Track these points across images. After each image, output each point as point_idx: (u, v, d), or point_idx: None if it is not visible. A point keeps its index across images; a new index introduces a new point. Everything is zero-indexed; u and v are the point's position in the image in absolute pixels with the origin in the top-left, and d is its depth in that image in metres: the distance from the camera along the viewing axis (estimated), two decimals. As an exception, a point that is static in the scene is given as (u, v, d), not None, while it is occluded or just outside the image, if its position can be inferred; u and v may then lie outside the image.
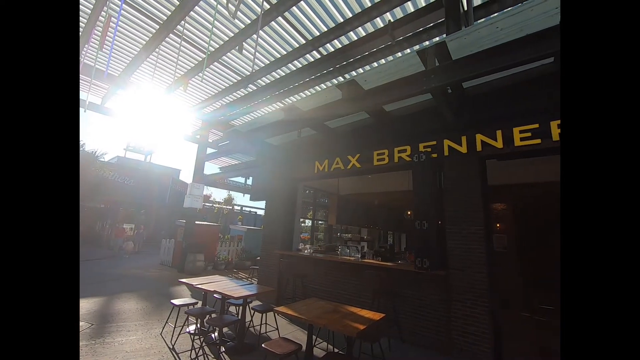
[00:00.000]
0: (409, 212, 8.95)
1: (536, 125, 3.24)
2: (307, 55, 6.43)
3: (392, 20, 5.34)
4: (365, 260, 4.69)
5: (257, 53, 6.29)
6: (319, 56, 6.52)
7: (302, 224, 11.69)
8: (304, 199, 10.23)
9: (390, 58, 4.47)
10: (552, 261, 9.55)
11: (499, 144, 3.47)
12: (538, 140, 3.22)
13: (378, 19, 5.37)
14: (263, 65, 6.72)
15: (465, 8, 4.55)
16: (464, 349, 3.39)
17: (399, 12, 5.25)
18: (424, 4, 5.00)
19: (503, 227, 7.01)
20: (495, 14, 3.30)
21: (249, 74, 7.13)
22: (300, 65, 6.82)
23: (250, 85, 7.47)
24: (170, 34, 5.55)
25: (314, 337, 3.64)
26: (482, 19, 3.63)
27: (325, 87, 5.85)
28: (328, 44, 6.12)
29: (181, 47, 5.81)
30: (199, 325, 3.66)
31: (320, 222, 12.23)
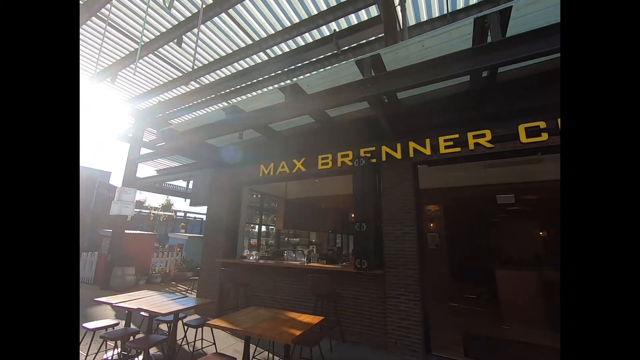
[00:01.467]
0: (352, 215, 9.34)
1: (457, 136, 3.67)
2: (254, 56, 6.28)
3: (337, 30, 5.55)
4: (311, 264, 4.70)
5: (199, 49, 5.92)
6: (266, 58, 6.41)
7: (253, 230, 11.30)
8: (252, 203, 9.91)
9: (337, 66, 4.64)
10: (474, 256, 10.79)
11: (427, 151, 3.83)
12: (458, 149, 3.65)
13: (324, 27, 5.53)
14: (207, 62, 6.36)
15: (402, 26, 4.96)
16: (399, 342, 3.61)
17: (343, 23, 5.48)
18: (365, 18, 5.31)
19: (436, 226, 7.75)
20: (424, 34, 3.66)
21: (190, 70, 6.67)
22: (247, 66, 6.63)
23: (192, 83, 6.99)
24: (93, 17, 4.89)
25: (254, 347, 3.49)
26: (413, 37, 3.99)
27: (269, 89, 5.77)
28: (275, 47, 6.07)
29: (106, 33, 5.15)
30: (119, 349, 3.21)
31: (271, 227, 11.94)
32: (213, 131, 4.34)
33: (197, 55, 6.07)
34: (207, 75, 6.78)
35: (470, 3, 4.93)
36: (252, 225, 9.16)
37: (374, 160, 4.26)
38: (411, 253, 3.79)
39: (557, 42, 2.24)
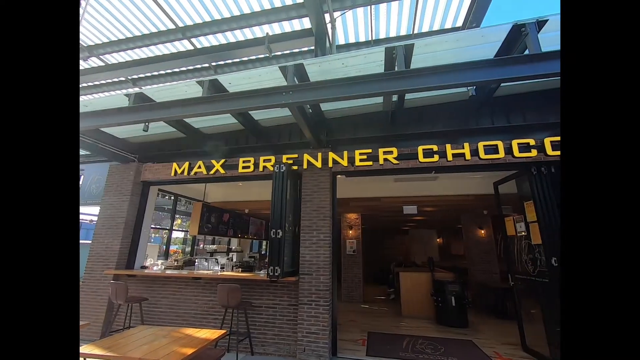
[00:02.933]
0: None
1: (370, 150, 4.02)
2: (176, 43, 5.69)
3: (269, 34, 5.50)
4: (224, 273, 4.39)
5: (106, 22, 5.04)
6: (190, 48, 5.88)
7: (165, 235, 9.94)
8: (165, 205, 8.78)
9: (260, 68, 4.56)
10: (386, 260, 11.88)
11: (345, 162, 4.08)
12: (371, 163, 4.00)
13: (257, 28, 5.40)
14: (115, 39, 5.45)
15: (331, 43, 5.23)
16: (307, 348, 3.64)
17: (277, 28, 5.47)
18: (299, 28, 5.42)
19: (354, 233, 8.29)
20: (344, 53, 3.95)
21: (92, 44, 5.61)
22: (168, 52, 5.95)
23: (92, 59, 5.88)
24: None
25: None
26: (335, 54, 4.24)
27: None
28: (203, 38, 5.64)
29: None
30: None
31: (187, 232, 10.76)
32: (112, 118, 3.68)
33: (102, 28, 5.15)
34: (115, 54, 5.81)
35: (390, 35, 5.57)
36: (165, 231, 8.10)
37: (295, 167, 4.30)
38: (325, 260, 3.92)
39: (449, 80, 2.67)
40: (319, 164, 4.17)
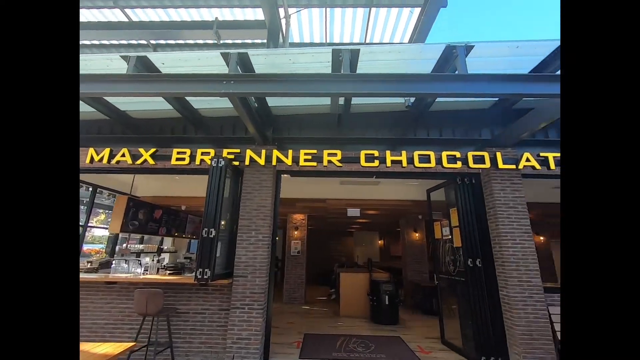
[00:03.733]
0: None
1: (315, 151, 4.00)
2: (105, 10, 4.95)
3: (219, 18, 5.13)
4: (146, 277, 3.89)
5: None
6: (124, 19, 5.17)
7: (91, 233, 8.47)
8: (83, 198, 7.53)
9: (199, 52, 4.20)
10: (331, 261, 12.07)
11: (289, 161, 3.99)
12: (315, 164, 3.98)
13: (206, 10, 5.00)
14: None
15: (284, 38, 5.10)
16: (237, 355, 3.43)
17: (228, 14, 5.14)
18: (252, 19, 5.17)
19: (300, 234, 8.23)
20: (292, 48, 3.87)
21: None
22: (95, 20, 5.15)
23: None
24: None
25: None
26: (282, 49, 4.14)
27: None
28: (140, 10, 5.01)
29: None
30: None
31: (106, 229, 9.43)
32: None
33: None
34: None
35: (344, 40, 5.68)
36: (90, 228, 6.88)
37: (236, 163, 4.05)
38: (263, 261, 3.76)
39: (392, 88, 2.76)
40: (262, 161, 4.00)
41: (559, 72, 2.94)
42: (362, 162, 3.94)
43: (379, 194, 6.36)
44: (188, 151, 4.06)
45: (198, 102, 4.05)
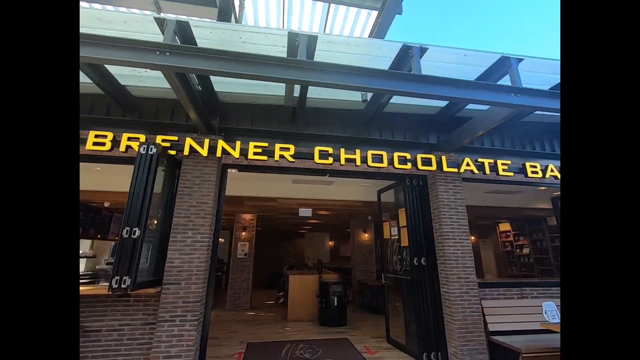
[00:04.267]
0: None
1: (266, 144, 3.69)
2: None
3: (159, -14, 4.47)
4: (44, 288, 3.09)
5: None
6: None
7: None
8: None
9: (126, 12, 3.58)
10: (281, 264, 11.72)
11: (236, 153, 3.60)
12: (265, 157, 3.67)
13: (142, -27, 4.31)
14: None
15: (237, 19, 4.68)
16: (163, 378, 2.92)
17: (171, -16, 4.52)
18: (200, -7, 4.63)
19: (248, 235, 7.73)
20: (244, 26, 3.54)
21: None
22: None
23: None
24: None
25: None
26: (232, 24, 3.76)
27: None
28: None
29: None
30: None
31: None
32: None
33: None
34: None
35: (303, 29, 5.47)
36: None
37: (173, 153, 3.51)
38: (200, 265, 3.30)
39: (350, 81, 2.61)
40: (204, 152, 3.53)
41: (500, 82, 3.18)
42: (316, 159, 3.77)
43: (331, 194, 6.29)
44: (110, 135, 3.38)
45: (126, 78, 3.41)
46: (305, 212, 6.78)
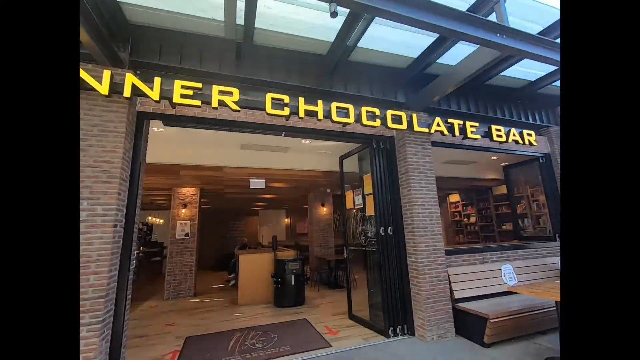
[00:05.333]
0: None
1: (199, 85, 2.75)
2: None
3: None
4: None
5: None
6: None
7: None
8: None
9: None
10: (231, 244, 10.80)
11: (155, 95, 2.61)
12: (199, 103, 2.74)
13: None
14: None
15: None
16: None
17: None
18: None
19: (189, 213, 6.65)
20: None
21: None
22: None
23: None
24: None
25: None
26: None
27: None
28: None
29: None
30: None
31: None
32: None
33: None
34: None
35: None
36: None
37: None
38: (104, 247, 2.36)
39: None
40: (103, 89, 2.46)
41: (490, 18, 2.73)
42: (268, 109, 2.97)
43: (287, 163, 5.55)
44: None
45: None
46: (257, 183, 5.95)
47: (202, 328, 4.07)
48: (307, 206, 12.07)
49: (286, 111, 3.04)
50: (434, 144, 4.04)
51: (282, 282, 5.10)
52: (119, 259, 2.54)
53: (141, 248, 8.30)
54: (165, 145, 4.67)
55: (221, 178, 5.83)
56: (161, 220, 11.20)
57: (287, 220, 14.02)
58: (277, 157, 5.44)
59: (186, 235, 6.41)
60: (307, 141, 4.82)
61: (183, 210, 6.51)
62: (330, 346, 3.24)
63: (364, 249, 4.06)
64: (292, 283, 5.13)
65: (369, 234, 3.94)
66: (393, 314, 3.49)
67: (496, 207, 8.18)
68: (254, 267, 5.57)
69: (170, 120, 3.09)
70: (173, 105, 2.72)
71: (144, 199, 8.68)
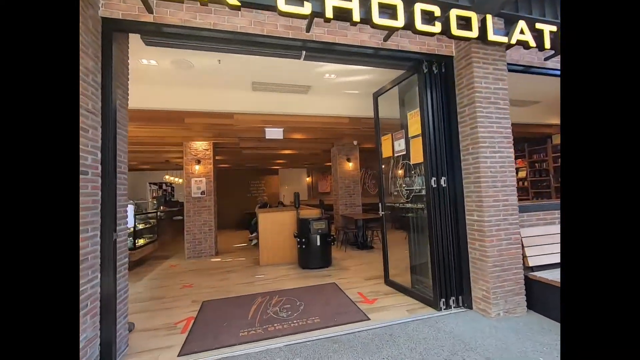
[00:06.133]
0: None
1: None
2: None
3: None
4: None
5: None
6: None
7: None
8: None
9: None
10: (250, 204, 10.50)
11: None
12: (181, 1, 1.87)
13: None
14: None
15: None
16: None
17: None
18: None
19: (204, 169, 6.13)
20: None
21: None
22: None
23: None
24: None
25: None
26: None
27: None
28: None
29: None
30: None
31: None
32: None
33: None
34: None
35: None
36: None
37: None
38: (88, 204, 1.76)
39: None
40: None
41: None
42: (281, 5, 2.03)
43: (307, 107, 4.65)
44: None
45: None
46: (273, 133, 5.16)
47: (221, 291, 3.70)
48: (329, 164, 11.32)
49: (307, 8, 2.08)
50: (509, 68, 2.94)
51: (307, 243, 4.58)
52: (98, 216, 1.96)
53: (161, 207, 8.17)
54: (164, 87, 3.92)
55: (233, 127, 5.09)
56: (180, 180, 11.05)
57: (308, 179, 13.48)
58: (296, 100, 4.54)
59: (202, 193, 5.97)
60: (333, 76, 3.85)
61: (197, 167, 5.99)
62: (369, 319, 2.68)
63: (406, 205, 3.30)
64: (318, 244, 4.60)
65: (414, 187, 3.14)
66: (446, 282, 2.82)
67: (555, 158, 6.92)
68: (274, 226, 5.07)
69: (149, 34, 2.26)
70: (154, 16, 1.86)
71: (157, 157, 8.30)
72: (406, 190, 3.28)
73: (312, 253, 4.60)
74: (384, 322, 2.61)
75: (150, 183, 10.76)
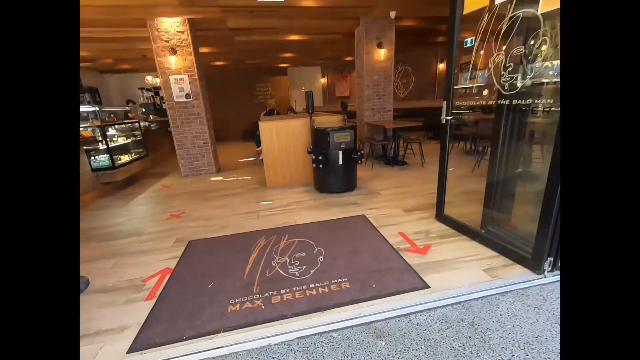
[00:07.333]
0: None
1: None
2: None
3: None
4: None
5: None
6: None
7: None
8: None
9: None
10: (257, 111, 9.02)
11: None
12: None
13: None
14: None
15: None
16: None
17: None
18: None
19: (184, 61, 4.56)
20: None
21: None
22: None
23: None
24: None
25: None
26: None
27: None
28: None
29: None
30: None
31: None
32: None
33: None
34: None
35: None
36: None
37: None
38: None
39: None
40: None
41: None
42: None
43: None
44: None
45: None
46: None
47: (215, 225, 2.84)
48: (350, 58, 9.03)
49: None
50: None
51: (325, 161, 3.43)
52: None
53: (151, 117, 6.97)
54: None
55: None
56: (158, 80, 9.40)
57: (323, 80, 11.37)
58: None
59: (187, 96, 4.59)
60: None
61: (172, 59, 4.40)
62: (427, 285, 1.72)
63: (501, 102, 1.88)
64: (340, 162, 3.44)
65: (535, 66, 1.64)
66: (545, 228, 1.69)
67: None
68: (281, 138, 3.85)
69: None
70: None
71: (130, 51, 6.51)
72: (508, 75, 1.78)
73: (331, 173, 3.51)
74: (453, 292, 1.65)
75: (140, 89, 9.23)
